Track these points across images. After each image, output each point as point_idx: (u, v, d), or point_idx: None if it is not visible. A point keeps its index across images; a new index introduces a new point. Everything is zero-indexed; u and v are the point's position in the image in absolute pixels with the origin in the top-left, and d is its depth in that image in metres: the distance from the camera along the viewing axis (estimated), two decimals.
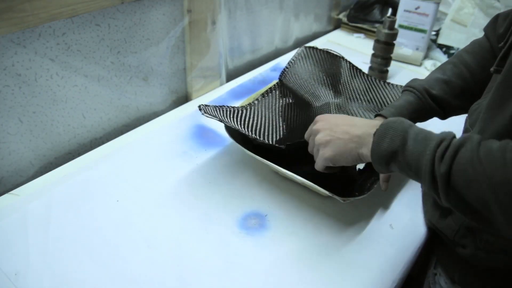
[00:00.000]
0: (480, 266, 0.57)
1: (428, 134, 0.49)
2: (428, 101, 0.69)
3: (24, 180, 0.76)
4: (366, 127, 0.57)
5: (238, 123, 0.76)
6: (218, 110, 0.74)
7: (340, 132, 0.59)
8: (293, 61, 0.91)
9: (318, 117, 0.65)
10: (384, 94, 0.91)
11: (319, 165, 0.63)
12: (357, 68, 0.94)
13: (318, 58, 0.93)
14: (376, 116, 0.70)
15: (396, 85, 0.92)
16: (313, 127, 0.64)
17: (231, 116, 0.76)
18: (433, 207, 0.66)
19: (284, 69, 0.90)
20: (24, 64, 0.68)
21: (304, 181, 0.67)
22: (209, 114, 0.69)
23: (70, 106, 0.78)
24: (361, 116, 0.87)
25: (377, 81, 0.93)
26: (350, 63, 0.94)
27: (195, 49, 0.96)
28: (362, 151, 0.56)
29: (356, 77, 0.93)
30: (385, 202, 0.74)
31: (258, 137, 0.75)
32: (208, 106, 0.73)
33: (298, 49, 0.94)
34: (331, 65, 0.94)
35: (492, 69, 0.56)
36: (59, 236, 0.63)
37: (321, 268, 0.61)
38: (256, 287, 0.58)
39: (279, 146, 0.72)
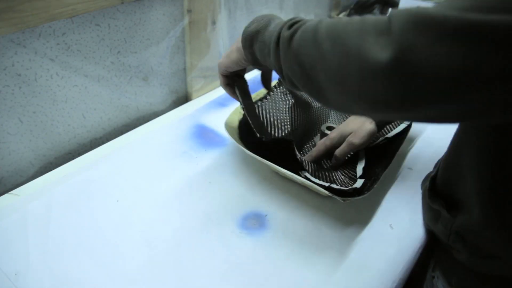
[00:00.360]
0: (476, 271, 0.57)
1: (280, 19, 0.53)
2: None
3: (24, 180, 0.76)
4: None
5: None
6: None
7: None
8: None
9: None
10: None
11: (219, 71, 0.68)
12: None
13: None
14: None
15: None
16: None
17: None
18: (427, 210, 0.66)
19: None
20: (24, 64, 0.68)
21: (304, 181, 0.67)
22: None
23: (70, 106, 0.78)
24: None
25: None
26: None
27: (195, 49, 0.96)
28: (239, 45, 0.58)
29: None
30: (385, 202, 0.73)
31: (266, 136, 0.75)
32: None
33: None
34: None
35: None
36: (59, 236, 0.63)
37: (321, 268, 0.61)
38: (256, 287, 0.58)
39: (288, 139, 0.71)
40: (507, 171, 0.48)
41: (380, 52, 0.34)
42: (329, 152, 0.78)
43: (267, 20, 0.53)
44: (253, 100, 0.85)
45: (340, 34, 0.39)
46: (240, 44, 0.57)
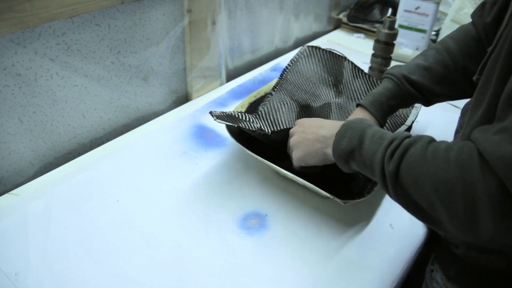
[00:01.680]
0: (474, 264, 0.58)
1: (383, 134, 0.50)
2: (407, 87, 0.69)
3: (24, 180, 0.76)
4: (332, 128, 0.59)
5: (248, 125, 0.75)
6: (228, 115, 0.74)
7: (309, 133, 0.63)
8: (295, 60, 0.91)
9: (296, 121, 0.68)
10: None
11: (294, 165, 0.67)
12: (359, 68, 0.94)
13: (320, 57, 0.93)
14: (357, 105, 0.71)
15: None
16: (290, 130, 0.68)
17: (241, 119, 0.75)
18: None
19: (285, 67, 0.90)
20: (24, 64, 0.68)
21: (305, 183, 0.67)
22: (221, 120, 0.69)
23: (70, 106, 0.78)
24: None
25: (379, 82, 0.93)
26: (352, 63, 0.94)
27: (195, 49, 0.96)
28: (327, 151, 0.59)
29: (358, 78, 0.93)
30: (385, 202, 0.73)
31: (273, 129, 0.75)
32: (218, 112, 0.72)
33: (300, 47, 0.94)
34: (334, 64, 0.94)
35: (474, 78, 0.57)
36: (59, 236, 0.63)
37: (321, 268, 0.61)
38: (256, 287, 0.58)
39: (288, 127, 0.71)
40: None
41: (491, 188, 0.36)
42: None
43: (359, 137, 0.52)
44: (255, 99, 0.85)
45: (442, 183, 0.40)
46: (328, 151, 0.58)
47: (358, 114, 0.70)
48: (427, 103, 0.72)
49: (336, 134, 0.56)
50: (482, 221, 0.38)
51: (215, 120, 0.68)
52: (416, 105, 0.85)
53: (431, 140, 0.45)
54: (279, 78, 0.89)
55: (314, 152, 0.61)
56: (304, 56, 0.92)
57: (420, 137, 0.46)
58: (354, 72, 0.93)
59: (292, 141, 0.66)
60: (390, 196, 0.48)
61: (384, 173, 0.47)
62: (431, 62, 0.70)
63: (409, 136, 0.48)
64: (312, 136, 0.62)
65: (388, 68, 1.13)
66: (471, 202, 0.38)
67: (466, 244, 0.57)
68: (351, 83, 0.92)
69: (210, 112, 0.70)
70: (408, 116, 0.84)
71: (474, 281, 0.59)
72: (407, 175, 0.44)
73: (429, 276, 0.67)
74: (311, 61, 0.93)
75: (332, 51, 0.94)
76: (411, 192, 0.44)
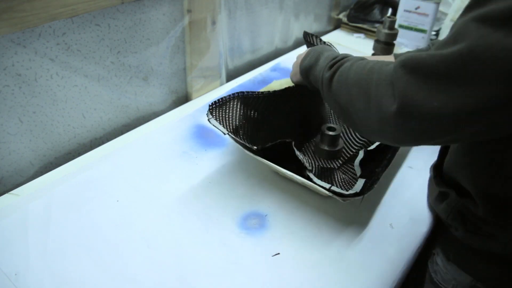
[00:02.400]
0: (472, 247, 0.60)
1: (334, 54, 0.61)
2: None
3: (24, 180, 0.76)
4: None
5: (240, 135, 0.76)
6: (222, 119, 0.74)
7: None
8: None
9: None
10: None
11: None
12: None
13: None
14: None
15: None
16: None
17: (232, 132, 0.75)
18: (433, 192, 0.69)
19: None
20: (24, 64, 0.68)
21: (304, 181, 0.67)
22: (214, 123, 0.70)
23: (70, 106, 0.78)
24: None
25: None
26: None
27: (195, 49, 0.96)
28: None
29: None
30: (385, 202, 0.73)
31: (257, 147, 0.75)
32: (216, 112, 0.73)
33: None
34: None
35: None
36: (59, 236, 0.63)
37: (321, 268, 0.61)
38: (256, 287, 0.58)
39: (287, 141, 0.71)
40: (502, 168, 0.52)
41: (389, 103, 0.43)
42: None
43: (317, 55, 0.64)
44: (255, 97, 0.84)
45: (363, 82, 0.48)
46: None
47: None
48: None
49: (304, 54, 0.69)
50: (384, 107, 0.44)
51: (208, 120, 0.70)
52: None
53: (363, 58, 0.55)
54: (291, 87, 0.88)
55: (295, 71, 0.75)
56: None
57: (355, 56, 0.57)
58: None
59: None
60: (324, 99, 0.59)
61: (323, 81, 0.58)
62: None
63: (348, 56, 0.58)
64: (298, 60, 0.76)
65: None
66: (378, 91, 0.45)
67: (465, 228, 0.60)
68: None
69: (210, 106, 0.71)
70: None
71: (471, 262, 0.62)
72: (337, 79, 0.54)
73: (431, 259, 0.69)
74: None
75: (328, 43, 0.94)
76: (337, 93, 0.54)
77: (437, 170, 0.67)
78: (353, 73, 0.51)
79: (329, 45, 0.91)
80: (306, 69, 0.66)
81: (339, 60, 0.57)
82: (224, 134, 0.70)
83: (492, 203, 0.55)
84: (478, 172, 0.55)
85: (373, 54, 1.13)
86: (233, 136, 0.71)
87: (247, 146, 0.71)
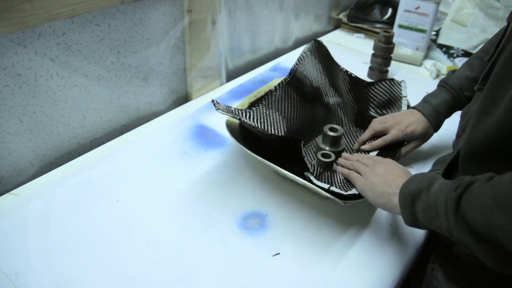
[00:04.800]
0: (472, 263, 0.58)
1: (442, 180, 0.51)
2: (463, 100, 0.75)
3: (24, 180, 0.76)
4: (399, 176, 0.59)
5: (250, 121, 0.76)
6: (229, 109, 0.74)
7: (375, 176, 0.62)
8: (302, 57, 0.91)
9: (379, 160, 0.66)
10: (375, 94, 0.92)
11: (351, 177, 0.66)
12: (351, 76, 0.93)
13: (320, 55, 0.93)
14: (412, 107, 0.79)
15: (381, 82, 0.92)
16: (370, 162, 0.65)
17: (242, 116, 0.75)
18: None
19: (294, 64, 0.89)
20: (24, 64, 0.68)
21: (305, 183, 0.66)
22: (222, 110, 0.69)
23: (70, 106, 0.78)
24: (349, 121, 0.89)
25: (374, 87, 0.92)
26: (346, 73, 0.93)
27: (195, 49, 0.96)
28: (392, 197, 0.57)
29: (351, 85, 0.93)
30: None
31: (272, 133, 0.75)
32: (220, 104, 0.73)
33: (308, 44, 0.93)
34: (331, 66, 0.94)
35: (475, 88, 0.60)
36: (59, 236, 0.63)
37: (321, 268, 0.61)
38: (256, 287, 0.58)
39: (296, 139, 0.71)
40: None
41: None
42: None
43: (430, 179, 0.52)
44: (255, 99, 0.84)
45: (510, 205, 0.39)
46: (395, 199, 0.56)
47: (415, 114, 0.77)
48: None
49: (407, 179, 0.55)
50: None
51: (216, 109, 0.68)
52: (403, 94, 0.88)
53: (492, 176, 0.44)
54: (288, 75, 0.88)
55: (379, 196, 0.59)
56: (312, 51, 0.92)
57: (481, 176, 0.45)
58: (346, 80, 0.93)
59: (370, 168, 0.64)
60: (451, 231, 0.46)
61: (446, 206, 0.46)
62: (477, 72, 0.74)
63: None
64: (378, 180, 0.60)
65: (388, 68, 1.14)
66: None
67: (461, 244, 0.58)
68: (346, 87, 0.92)
69: (212, 101, 0.70)
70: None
71: (473, 280, 0.60)
72: (468, 200, 0.43)
73: (430, 275, 0.68)
74: (317, 57, 0.92)
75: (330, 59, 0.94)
76: (470, 218, 0.43)
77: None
78: (491, 194, 0.41)
79: (336, 65, 0.90)
80: (414, 193, 0.52)
81: (464, 181, 0.46)
82: (237, 118, 0.70)
83: None
84: None
85: (373, 54, 1.13)
86: (247, 121, 0.70)
87: (260, 131, 0.71)
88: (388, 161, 0.64)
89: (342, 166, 0.70)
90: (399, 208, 0.55)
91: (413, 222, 0.53)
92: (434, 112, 0.76)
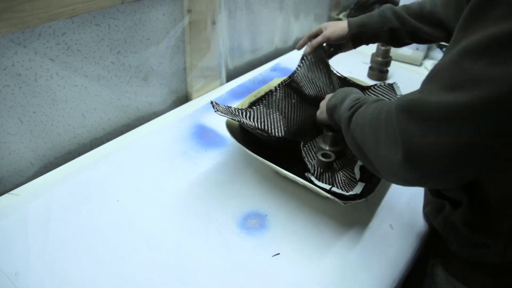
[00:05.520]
0: (469, 260, 0.60)
1: (358, 95, 0.61)
2: (388, 14, 0.80)
3: (24, 180, 0.76)
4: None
5: (249, 121, 0.76)
6: (228, 110, 0.74)
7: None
8: (305, 58, 0.91)
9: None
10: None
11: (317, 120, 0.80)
12: (345, 80, 0.94)
13: (323, 57, 0.93)
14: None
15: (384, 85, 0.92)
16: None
17: (241, 116, 0.76)
18: (428, 203, 0.68)
19: (297, 66, 0.89)
20: (24, 64, 0.68)
21: (306, 183, 0.66)
22: (221, 112, 0.69)
23: (70, 106, 0.78)
24: None
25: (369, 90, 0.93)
26: (338, 77, 0.94)
27: (195, 49, 0.96)
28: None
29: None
30: (385, 203, 0.74)
31: (272, 133, 0.75)
32: (219, 105, 0.73)
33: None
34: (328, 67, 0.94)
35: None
36: (59, 236, 0.63)
37: (321, 268, 0.61)
38: (256, 287, 0.58)
39: (295, 139, 0.71)
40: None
41: (395, 150, 0.44)
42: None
43: (344, 96, 0.64)
44: (255, 98, 0.84)
45: (373, 123, 0.49)
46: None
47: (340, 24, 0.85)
48: (397, 40, 0.81)
49: (332, 94, 0.69)
50: (392, 153, 0.45)
51: (215, 111, 0.68)
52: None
53: (379, 99, 0.56)
54: (287, 77, 0.88)
55: (322, 110, 0.74)
56: (313, 54, 0.92)
57: (369, 98, 0.58)
58: (339, 84, 0.93)
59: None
60: (345, 138, 0.59)
61: (342, 120, 0.59)
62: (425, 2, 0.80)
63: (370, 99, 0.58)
64: (326, 99, 0.74)
65: (388, 68, 1.14)
66: (388, 132, 0.45)
67: (460, 241, 0.59)
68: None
69: (211, 102, 0.70)
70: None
71: (471, 276, 0.61)
72: (354, 119, 0.55)
73: (430, 270, 0.68)
74: (319, 58, 0.92)
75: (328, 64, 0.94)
76: (353, 132, 0.54)
77: None
78: (368, 114, 0.52)
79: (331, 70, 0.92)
80: (331, 108, 0.66)
81: (359, 101, 0.58)
82: (237, 121, 0.70)
83: (484, 209, 0.55)
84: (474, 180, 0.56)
85: (373, 54, 1.13)
86: (247, 121, 0.71)
87: (259, 132, 0.71)
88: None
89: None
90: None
91: (336, 126, 0.68)
92: (358, 27, 0.82)
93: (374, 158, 0.49)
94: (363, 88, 0.93)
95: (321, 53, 0.91)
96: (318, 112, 0.78)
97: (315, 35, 0.88)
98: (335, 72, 0.93)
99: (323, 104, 0.76)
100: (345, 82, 0.93)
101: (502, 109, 0.37)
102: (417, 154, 0.42)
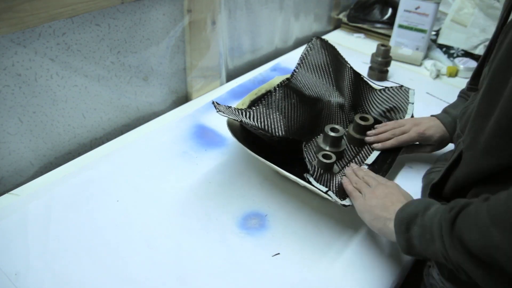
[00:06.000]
0: None
1: (437, 204, 0.50)
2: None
3: (24, 180, 0.76)
4: (398, 201, 0.58)
5: (251, 121, 0.76)
6: (229, 110, 0.74)
7: (384, 198, 0.60)
8: (305, 55, 0.90)
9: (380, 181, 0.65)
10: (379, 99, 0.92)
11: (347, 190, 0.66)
12: (359, 76, 0.93)
13: (328, 53, 0.92)
14: (432, 116, 0.78)
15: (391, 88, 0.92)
16: (372, 182, 0.64)
17: (242, 116, 0.75)
18: None
19: (297, 64, 0.89)
20: (24, 64, 0.68)
21: (305, 184, 0.66)
22: (223, 112, 0.69)
23: (70, 106, 0.78)
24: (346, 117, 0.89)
25: (377, 92, 0.93)
26: (352, 70, 0.93)
27: (195, 49, 0.96)
28: (388, 222, 0.56)
29: (357, 86, 0.93)
30: None
31: (274, 133, 0.75)
32: (220, 105, 0.73)
33: (312, 40, 0.93)
34: (337, 65, 0.93)
35: (466, 86, 0.60)
36: (59, 236, 0.63)
37: (321, 268, 0.61)
38: (256, 287, 0.58)
39: (298, 139, 0.71)
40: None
41: None
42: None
43: (426, 204, 0.51)
44: (256, 97, 0.84)
45: (507, 223, 0.38)
46: (390, 224, 0.54)
47: (434, 120, 0.77)
48: None
49: (404, 204, 0.55)
50: None
51: (217, 112, 0.68)
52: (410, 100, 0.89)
53: (487, 197, 0.43)
54: (289, 76, 0.88)
55: (375, 219, 0.58)
56: (316, 48, 0.92)
57: (476, 200, 0.44)
58: (352, 80, 0.93)
59: (371, 190, 0.63)
60: (447, 255, 0.44)
61: (441, 227, 0.45)
62: None
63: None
64: (377, 203, 0.59)
65: (388, 68, 1.14)
66: None
67: None
68: (350, 88, 0.92)
69: (213, 102, 0.70)
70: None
71: (467, 282, 0.60)
72: (464, 219, 0.43)
73: (426, 272, 0.68)
74: (321, 54, 0.92)
75: (338, 54, 0.94)
76: (466, 238, 0.41)
77: (437, 190, 0.62)
78: (487, 213, 0.40)
79: (343, 61, 0.91)
80: (409, 218, 0.51)
81: (457, 205, 0.45)
82: (238, 121, 0.70)
83: None
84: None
85: (373, 54, 1.13)
86: (248, 121, 0.71)
87: (262, 132, 0.71)
88: (392, 185, 0.63)
89: (348, 178, 0.68)
90: (394, 234, 0.53)
91: (408, 248, 0.51)
92: (454, 123, 0.74)
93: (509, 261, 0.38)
94: (374, 90, 0.93)
95: (327, 45, 0.91)
96: (368, 219, 0.60)
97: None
98: (349, 66, 0.93)
99: (367, 207, 0.60)
100: (358, 78, 0.92)
101: None
102: None
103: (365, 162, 0.76)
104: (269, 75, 1.13)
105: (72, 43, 0.73)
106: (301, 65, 0.90)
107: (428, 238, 0.47)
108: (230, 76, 1.15)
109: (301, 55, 0.91)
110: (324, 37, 1.42)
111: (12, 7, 0.60)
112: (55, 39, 0.71)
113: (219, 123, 0.87)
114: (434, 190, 0.62)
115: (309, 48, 0.91)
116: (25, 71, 0.69)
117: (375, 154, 0.78)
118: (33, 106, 0.72)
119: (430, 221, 0.47)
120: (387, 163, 0.75)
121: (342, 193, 0.67)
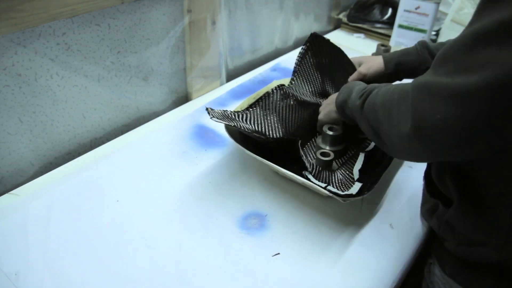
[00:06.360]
0: (467, 260, 0.60)
1: (363, 86, 0.64)
2: (424, 52, 0.81)
3: (24, 180, 0.76)
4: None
5: (246, 124, 0.76)
6: (224, 114, 0.74)
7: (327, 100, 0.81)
8: (302, 54, 0.90)
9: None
10: None
11: (318, 125, 0.82)
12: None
13: (328, 50, 0.92)
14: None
15: None
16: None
17: (238, 119, 0.76)
18: (425, 203, 0.69)
19: (294, 65, 0.89)
20: (24, 64, 0.68)
21: (305, 181, 0.67)
22: (217, 118, 0.69)
23: (70, 106, 0.78)
24: None
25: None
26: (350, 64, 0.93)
27: (195, 49, 0.96)
28: (332, 107, 0.75)
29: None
30: (385, 202, 0.73)
31: (269, 135, 0.75)
32: (215, 110, 0.73)
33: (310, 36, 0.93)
34: (339, 61, 0.92)
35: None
36: (59, 236, 0.63)
37: (321, 268, 0.61)
38: (256, 287, 0.58)
39: (293, 138, 0.72)
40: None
41: (405, 124, 0.47)
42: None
43: (349, 90, 0.66)
44: (254, 100, 0.84)
45: (387, 103, 0.52)
46: (335, 109, 0.73)
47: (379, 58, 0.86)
48: None
49: (337, 94, 0.71)
50: (403, 129, 0.47)
51: (211, 118, 0.69)
52: None
53: (387, 84, 0.57)
54: (290, 80, 0.88)
55: (328, 111, 0.77)
56: (314, 46, 0.91)
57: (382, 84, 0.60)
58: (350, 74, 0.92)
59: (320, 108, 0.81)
60: (360, 126, 0.61)
61: (355, 109, 0.61)
62: None
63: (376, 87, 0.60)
64: (328, 101, 0.79)
65: None
66: (400, 113, 0.48)
67: (456, 239, 0.59)
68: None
69: (207, 109, 0.70)
70: None
71: (468, 277, 0.61)
72: (366, 105, 0.58)
73: (427, 268, 0.68)
74: (319, 52, 0.91)
75: (338, 50, 0.93)
76: (367, 117, 0.57)
77: (427, 177, 0.68)
78: (379, 97, 0.55)
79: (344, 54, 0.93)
80: (341, 104, 0.68)
81: (367, 89, 0.61)
82: (233, 126, 0.70)
83: (480, 205, 0.55)
84: (459, 174, 0.57)
85: (373, 54, 1.13)
86: (243, 124, 0.71)
87: (256, 135, 0.71)
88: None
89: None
90: (339, 116, 0.72)
91: (350, 122, 0.69)
92: (395, 65, 0.83)
93: (386, 136, 0.52)
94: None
95: (324, 42, 0.90)
96: (322, 115, 0.79)
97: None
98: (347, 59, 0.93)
99: (327, 105, 0.78)
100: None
101: (506, 93, 0.38)
102: (426, 126, 0.44)
103: (354, 167, 0.76)
104: (269, 75, 1.14)
105: (72, 43, 0.73)
106: (301, 62, 0.89)
107: (352, 112, 0.64)
108: (230, 76, 1.15)
109: (301, 52, 0.90)
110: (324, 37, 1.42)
111: (12, 7, 0.60)
112: (55, 39, 0.71)
113: (219, 123, 0.86)
114: (426, 178, 0.68)
115: (307, 46, 0.91)
116: (25, 71, 0.69)
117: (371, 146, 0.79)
118: (33, 106, 0.72)
119: (351, 103, 0.64)
120: (387, 159, 0.75)
121: (342, 189, 0.67)
